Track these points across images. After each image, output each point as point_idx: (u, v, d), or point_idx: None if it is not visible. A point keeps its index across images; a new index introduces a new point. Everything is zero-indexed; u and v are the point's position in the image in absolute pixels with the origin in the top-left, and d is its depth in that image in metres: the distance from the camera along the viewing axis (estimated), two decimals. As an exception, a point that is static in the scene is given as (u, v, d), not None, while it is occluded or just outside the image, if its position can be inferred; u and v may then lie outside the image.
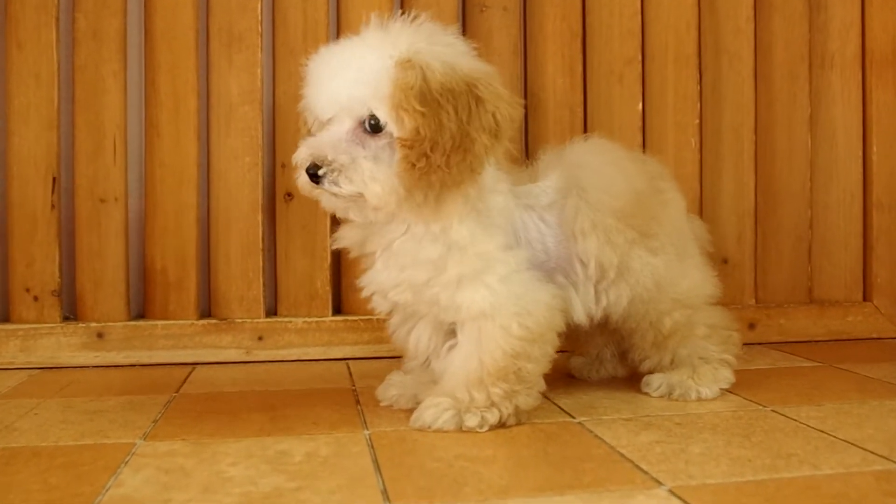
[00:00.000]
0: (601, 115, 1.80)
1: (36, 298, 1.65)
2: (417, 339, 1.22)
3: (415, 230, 1.13)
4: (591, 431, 1.10)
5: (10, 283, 1.65)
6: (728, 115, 1.85)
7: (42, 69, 1.64)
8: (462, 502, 0.84)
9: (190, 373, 1.55)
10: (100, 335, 1.64)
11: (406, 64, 1.06)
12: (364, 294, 1.23)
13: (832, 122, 1.89)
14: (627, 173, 1.27)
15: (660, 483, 0.88)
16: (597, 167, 1.25)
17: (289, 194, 1.70)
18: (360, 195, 1.07)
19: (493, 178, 1.17)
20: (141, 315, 1.72)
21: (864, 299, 1.90)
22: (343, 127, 1.09)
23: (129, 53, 1.68)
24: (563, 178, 1.22)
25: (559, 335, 1.17)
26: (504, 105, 1.09)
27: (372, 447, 1.04)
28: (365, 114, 1.08)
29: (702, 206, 1.82)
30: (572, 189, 1.20)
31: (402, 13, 1.68)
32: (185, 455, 1.01)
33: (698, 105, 1.82)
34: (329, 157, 1.07)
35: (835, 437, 1.06)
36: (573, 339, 1.41)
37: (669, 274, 1.28)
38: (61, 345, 1.64)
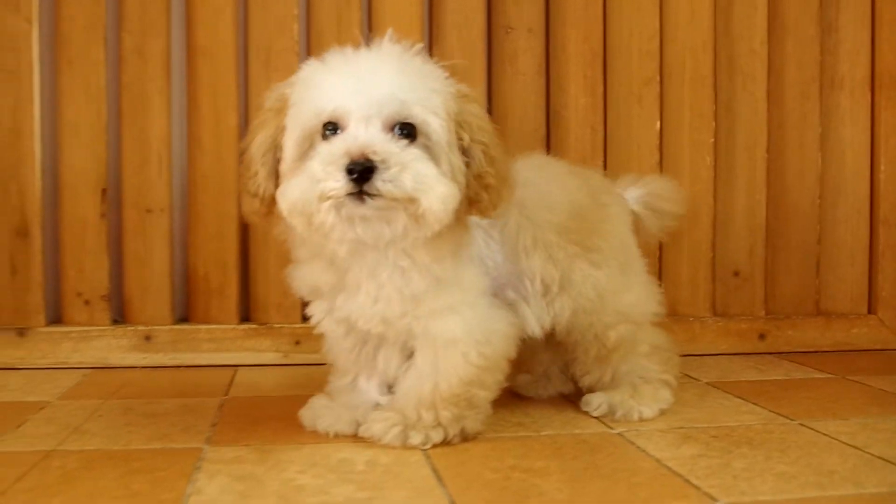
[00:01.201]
0: (620, 133, 1.80)
1: (87, 302, 1.66)
2: (386, 364, 1.15)
3: (401, 263, 1.04)
4: (633, 443, 1.11)
5: (63, 287, 1.66)
6: (742, 133, 1.85)
7: (91, 85, 1.65)
8: (530, 515, 0.85)
9: (233, 375, 1.56)
10: (147, 338, 1.65)
11: (468, 95, 1.04)
12: (315, 320, 1.16)
13: (841, 141, 1.90)
14: (567, 188, 1.23)
15: (714, 499, 0.89)
16: (536, 183, 1.20)
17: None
18: (414, 201, 0.94)
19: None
20: (185, 319, 1.72)
21: (869, 312, 1.90)
22: (373, 128, 0.95)
23: (173, 71, 1.69)
24: None
25: (510, 362, 1.13)
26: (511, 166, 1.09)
27: (428, 456, 1.04)
28: (401, 118, 0.96)
29: (715, 221, 1.83)
30: (513, 206, 1.13)
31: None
32: (253, 462, 1.02)
33: (713, 124, 1.83)
34: (392, 150, 0.94)
35: (870, 453, 1.06)
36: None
37: (612, 286, 1.23)
38: (111, 346, 1.64)
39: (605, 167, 1.77)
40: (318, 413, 1.17)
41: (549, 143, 1.78)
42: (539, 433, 1.16)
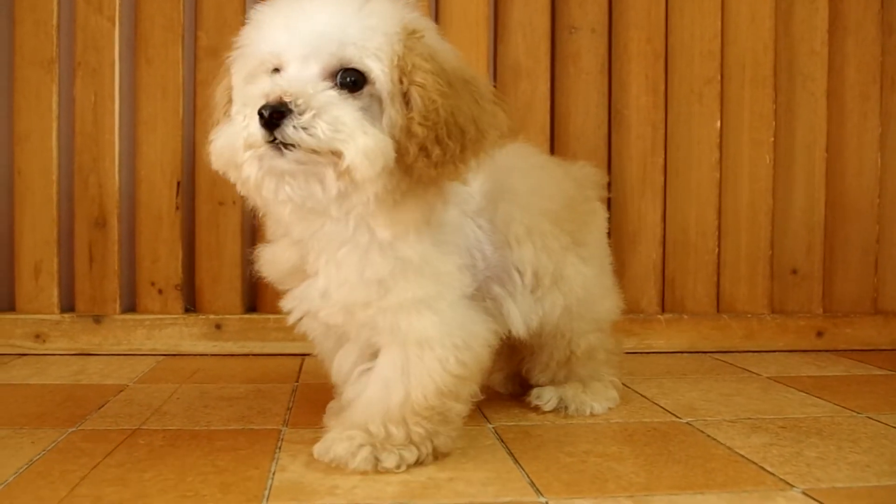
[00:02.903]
0: (681, 131, 1.79)
1: (160, 291, 1.68)
2: (340, 364, 1.02)
3: (359, 239, 0.90)
4: (702, 432, 1.09)
5: (138, 276, 1.69)
6: (801, 133, 1.83)
7: (168, 83, 1.67)
8: (610, 497, 0.84)
9: (301, 363, 1.57)
10: (218, 326, 1.67)
11: (416, 34, 0.86)
12: (292, 318, 1.02)
13: (901, 141, 1.87)
14: (556, 177, 1.14)
15: (791, 485, 0.88)
16: (525, 170, 1.09)
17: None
18: (337, 153, 0.80)
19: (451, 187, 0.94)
20: (253, 309, 1.74)
21: (927, 311, 1.86)
22: (309, 70, 0.83)
23: (247, 68, 1.70)
24: (489, 181, 1.01)
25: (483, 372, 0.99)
26: (504, 105, 0.91)
27: (502, 441, 1.04)
28: (343, 63, 0.83)
29: (774, 219, 1.80)
30: (503, 193, 1.02)
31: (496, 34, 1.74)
32: (333, 443, 1.03)
33: (773, 123, 1.80)
34: (307, 90, 0.80)
35: (942, 446, 1.05)
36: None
37: (596, 288, 1.16)
38: (183, 334, 1.67)
39: (665, 164, 1.77)
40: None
41: (611, 141, 1.77)
42: (609, 421, 1.15)
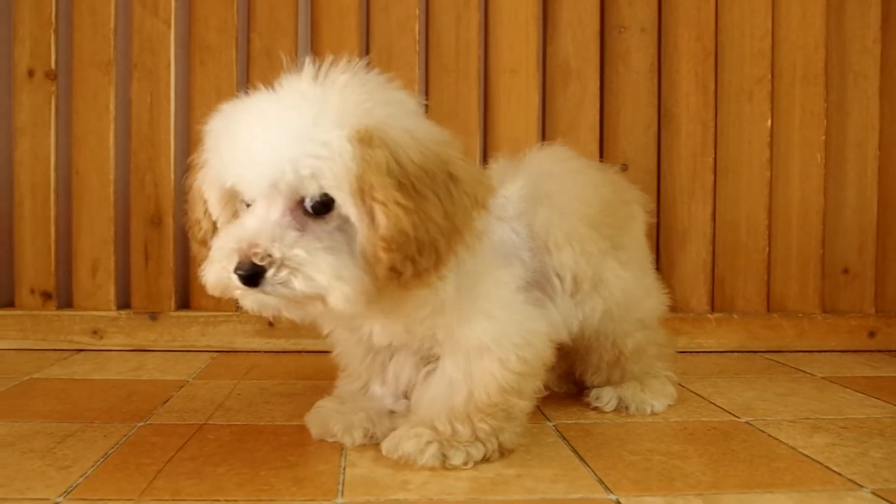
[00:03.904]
0: (731, 130, 1.79)
1: (215, 289, 1.71)
2: (397, 373, 1.05)
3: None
4: (763, 431, 1.10)
5: (192, 274, 1.72)
6: (853, 131, 1.82)
7: (223, 84, 1.71)
8: (680, 495, 0.85)
9: (353, 361, 1.59)
10: (271, 324, 1.70)
11: (370, 138, 0.81)
12: (325, 330, 1.09)
13: (955, 139, 1.85)
14: (594, 182, 1.14)
15: (859, 485, 0.88)
16: (562, 174, 1.11)
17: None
18: (319, 297, 0.82)
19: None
20: (305, 307, 1.76)
21: (982, 311, 1.85)
22: (275, 209, 0.83)
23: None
24: (527, 186, 1.04)
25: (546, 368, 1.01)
26: (482, 183, 0.89)
27: (564, 438, 1.06)
28: (308, 193, 0.82)
29: (825, 218, 1.79)
30: (541, 198, 1.04)
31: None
32: (398, 439, 1.05)
33: (824, 122, 1.79)
34: (274, 252, 0.80)
35: None
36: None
37: (636, 290, 1.17)
38: (237, 331, 1.70)
39: (715, 163, 1.76)
40: (329, 418, 1.05)
41: (661, 140, 1.77)
42: (668, 420, 1.16)
